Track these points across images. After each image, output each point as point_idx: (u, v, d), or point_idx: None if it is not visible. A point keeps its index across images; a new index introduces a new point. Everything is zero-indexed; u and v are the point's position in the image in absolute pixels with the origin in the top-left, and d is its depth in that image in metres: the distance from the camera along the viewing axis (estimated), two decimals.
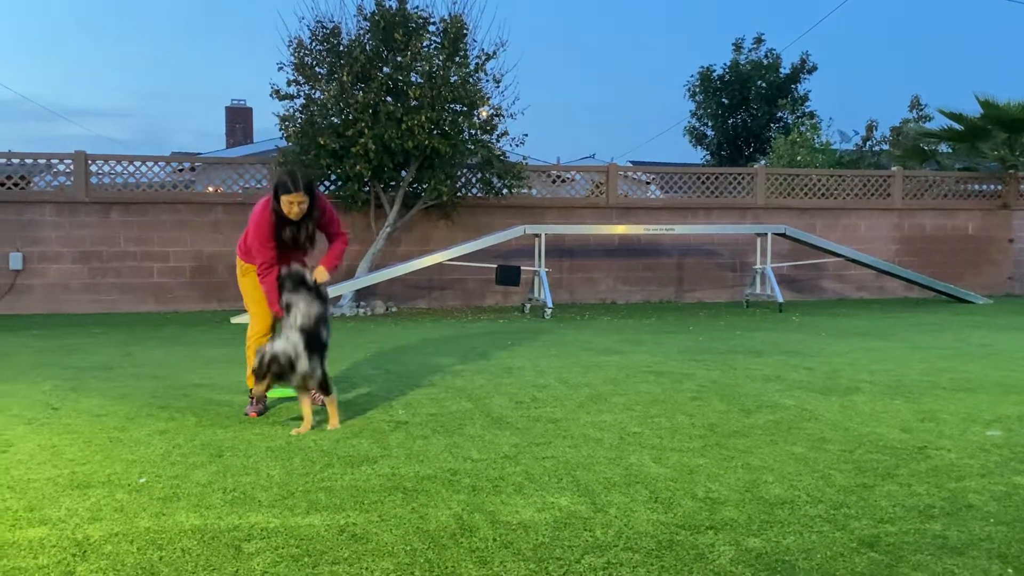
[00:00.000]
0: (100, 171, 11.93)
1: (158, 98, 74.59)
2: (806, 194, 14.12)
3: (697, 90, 23.79)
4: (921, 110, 21.53)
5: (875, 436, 4.27)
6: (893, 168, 15.28)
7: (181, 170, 12.86)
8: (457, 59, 11.22)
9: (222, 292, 12.10)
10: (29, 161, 11.91)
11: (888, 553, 2.75)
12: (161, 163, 12.30)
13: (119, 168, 11.98)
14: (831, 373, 6.25)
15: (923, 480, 3.52)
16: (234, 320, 10.29)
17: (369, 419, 4.71)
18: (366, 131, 10.63)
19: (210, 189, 12.90)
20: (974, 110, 15.18)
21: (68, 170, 11.81)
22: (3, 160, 11.95)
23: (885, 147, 20.89)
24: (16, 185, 11.63)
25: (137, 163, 12.00)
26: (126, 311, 11.67)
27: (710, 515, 3.10)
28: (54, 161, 11.91)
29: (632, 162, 25.33)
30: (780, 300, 11.72)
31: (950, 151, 16.93)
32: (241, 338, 8.36)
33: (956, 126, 15.73)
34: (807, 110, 22.82)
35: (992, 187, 15.11)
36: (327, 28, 11.22)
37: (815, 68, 23.40)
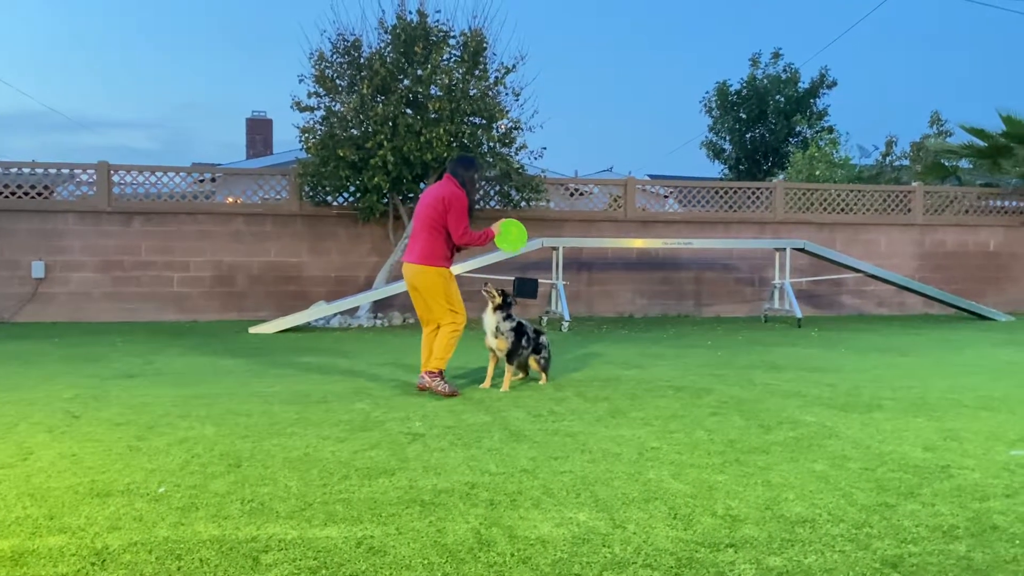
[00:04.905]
0: (123, 181, 12.07)
1: (184, 110, 75.38)
2: (825, 209, 14.05)
3: (714, 105, 23.77)
4: (941, 126, 21.39)
5: (897, 454, 4.22)
6: (914, 183, 15.18)
7: (202, 181, 12.98)
8: (477, 72, 11.27)
9: (242, 302, 12.18)
10: (53, 171, 12.06)
11: (912, 574, 2.72)
12: (182, 174, 12.43)
13: (141, 178, 12.10)
14: (852, 390, 6.19)
15: (947, 500, 3.47)
16: (252, 330, 10.34)
17: (387, 431, 4.71)
18: (385, 143, 10.68)
19: (230, 200, 13.00)
20: (996, 126, 15.09)
21: (91, 180, 11.95)
22: (27, 170, 12.11)
23: (905, 163, 20.77)
24: (39, 195, 11.77)
25: (159, 173, 12.12)
26: (147, 320, 11.76)
27: (730, 532, 3.07)
28: (77, 171, 12.06)
29: (650, 175, 25.28)
30: (799, 315, 11.65)
31: (971, 167, 16.81)
32: (261, 349, 8.42)
33: (978, 142, 15.62)
34: (826, 124, 22.73)
35: (1014, 203, 14.97)
36: (348, 41, 11.31)
37: (835, 83, 23.33)
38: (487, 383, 6.23)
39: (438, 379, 5.86)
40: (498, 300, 6.13)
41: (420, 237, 5.91)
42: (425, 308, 6.00)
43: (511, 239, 6.21)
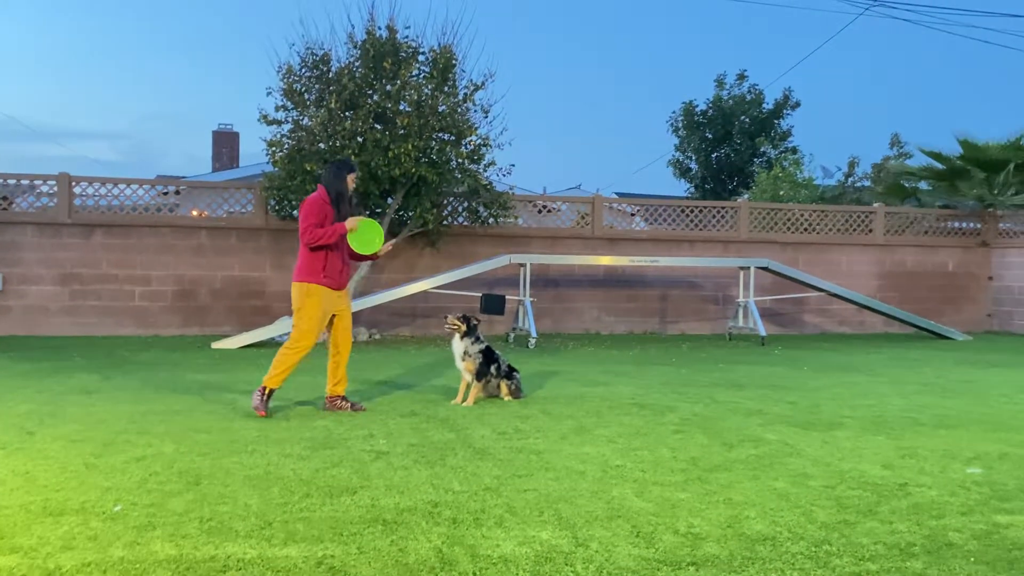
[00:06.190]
0: (84, 193, 11.88)
1: (149, 121, 74.42)
2: (789, 228, 14.26)
3: (680, 125, 24.09)
4: (901, 148, 21.89)
5: (857, 472, 4.28)
6: (875, 204, 15.47)
7: (166, 193, 12.82)
8: (446, 89, 11.29)
9: (204, 317, 12.02)
10: (12, 182, 11.83)
11: None
12: (146, 186, 12.27)
13: (103, 190, 11.92)
14: (813, 407, 6.27)
15: (904, 517, 3.52)
16: (215, 346, 10.20)
17: (349, 449, 4.67)
18: (353, 158, 10.64)
19: (194, 213, 12.85)
20: (953, 149, 15.44)
21: (51, 191, 11.74)
22: None
23: (867, 183, 21.18)
24: None
25: (121, 185, 11.95)
26: (106, 334, 11.55)
27: (692, 551, 3.08)
28: (37, 182, 11.85)
29: (617, 193, 25.50)
30: (762, 333, 11.77)
31: (930, 189, 17.18)
32: (223, 365, 8.30)
33: (936, 164, 15.97)
34: (789, 145, 23.13)
35: (972, 225, 15.32)
36: (317, 55, 11.27)
37: (798, 104, 23.78)
38: (458, 399, 6.27)
39: (259, 394, 5.64)
40: (463, 328, 6.28)
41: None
42: None
43: (364, 239, 5.98)
